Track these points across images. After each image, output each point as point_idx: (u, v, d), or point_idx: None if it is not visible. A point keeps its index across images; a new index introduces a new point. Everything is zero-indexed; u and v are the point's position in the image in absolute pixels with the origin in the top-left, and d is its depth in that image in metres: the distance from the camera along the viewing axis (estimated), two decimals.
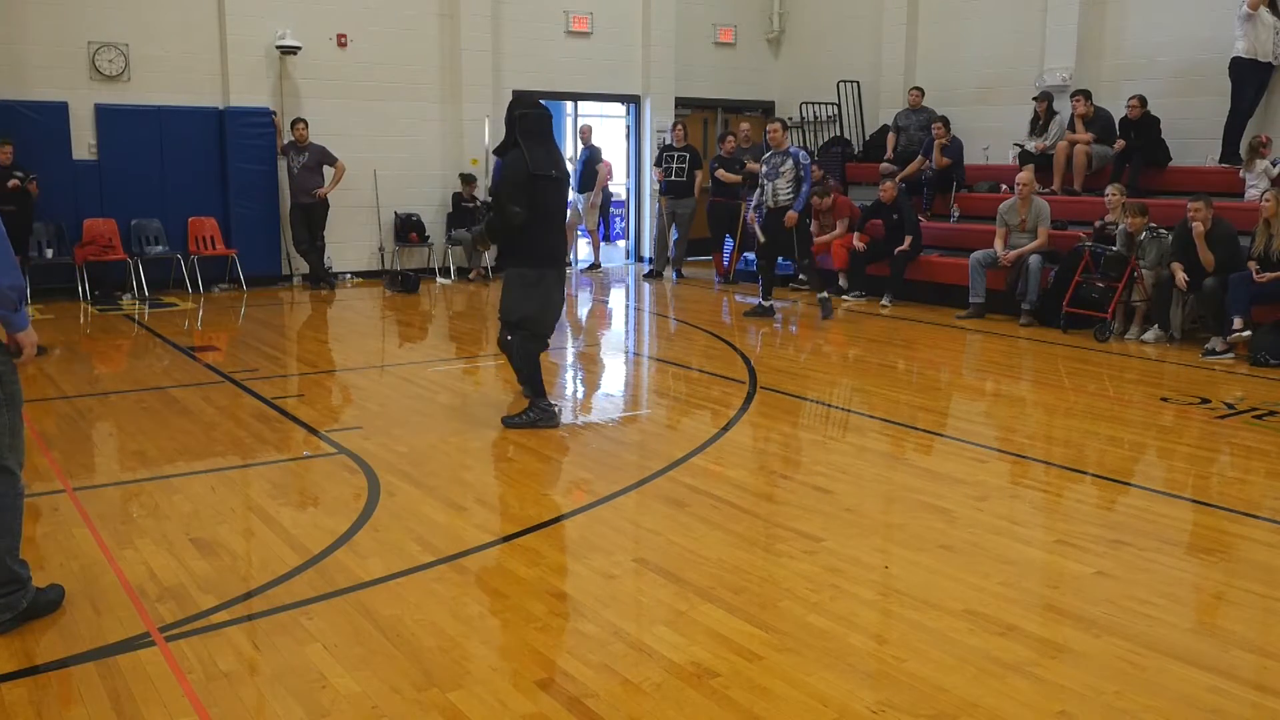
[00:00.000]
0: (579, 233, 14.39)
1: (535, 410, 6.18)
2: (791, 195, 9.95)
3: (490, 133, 13.43)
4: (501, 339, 6.36)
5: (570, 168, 13.62)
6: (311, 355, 8.53)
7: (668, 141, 13.63)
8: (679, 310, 11.16)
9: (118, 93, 11.34)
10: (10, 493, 3.43)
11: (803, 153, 10.14)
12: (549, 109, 6.19)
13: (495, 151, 6.26)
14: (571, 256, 14.38)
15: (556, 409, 6.29)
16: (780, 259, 10.61)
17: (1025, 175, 10.22)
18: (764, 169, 10.19)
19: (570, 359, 8.67)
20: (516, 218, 5.81)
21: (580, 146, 14.01)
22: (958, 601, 3.69)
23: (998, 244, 10.15)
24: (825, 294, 10.38)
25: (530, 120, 5.95)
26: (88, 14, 11.08)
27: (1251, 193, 9.40)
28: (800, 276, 11.71)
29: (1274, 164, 9.54)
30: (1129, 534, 4.39)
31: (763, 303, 10.42)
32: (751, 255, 13.06)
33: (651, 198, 14.55)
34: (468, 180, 13.12)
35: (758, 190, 10.35)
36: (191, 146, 11.68)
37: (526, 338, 6.09)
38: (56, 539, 4.24)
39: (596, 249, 14.55)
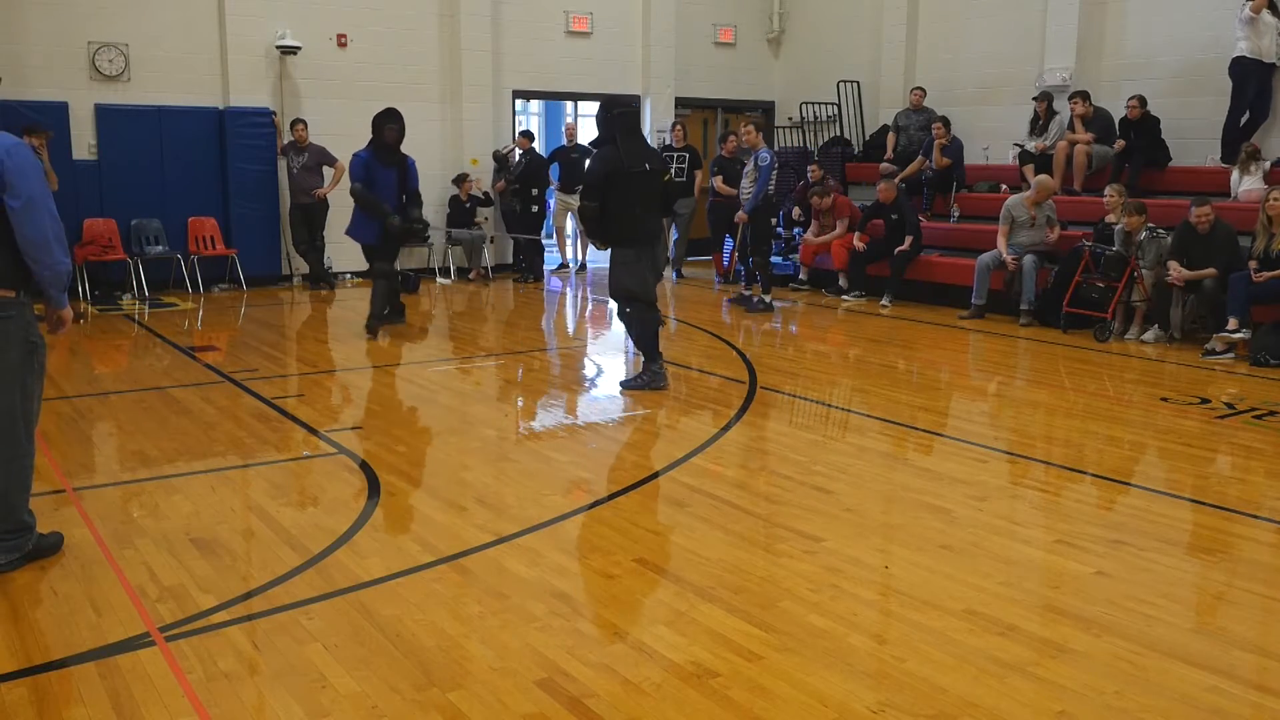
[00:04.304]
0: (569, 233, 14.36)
1: (648, 373, 6.96)
2: (750, 194, 10.40)
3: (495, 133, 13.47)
4: (620, 312, 7.07)
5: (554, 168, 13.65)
6: (311, 355, 8.53)
7: (667, 142, 13.61)
8: (679, 310, 11.15)
9: (118, 93, 11.34)
10: (31, 452, 3.96)
11: (764, 153, 10.33)
12: (639, 108, 6.91)
13: (593, 144, 7.11)
14: (573, 256, 14.35)
15: (667, 373, 7.08)
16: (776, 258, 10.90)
17: (1048, 179, 10.20)
18: (740, 167, 10.93)
19: (571, 359, 8.68)
20: (588, 210, 6.83)
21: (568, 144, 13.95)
22: (958, 601, 3.69)
23: (1000, 242, 10.13)
24: (765, 298, 10.62)
25: (628, 118, 6.82)
26: (88, 14, 11.08)
27: (1250, 189, 9.39)
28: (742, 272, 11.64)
29: (1268, 164, 9.57)
30: (1129, 534, 4.39)
31: (743, 293, 10.98)
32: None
33: None
34: (462, 179, 13.10)
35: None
36: (191, 146, 11.67)
37: (642, 309, 6.89)
38: None
39: (585, 248, 14.50)
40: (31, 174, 3.72)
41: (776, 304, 10.77)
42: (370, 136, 8.84)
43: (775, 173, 10.42)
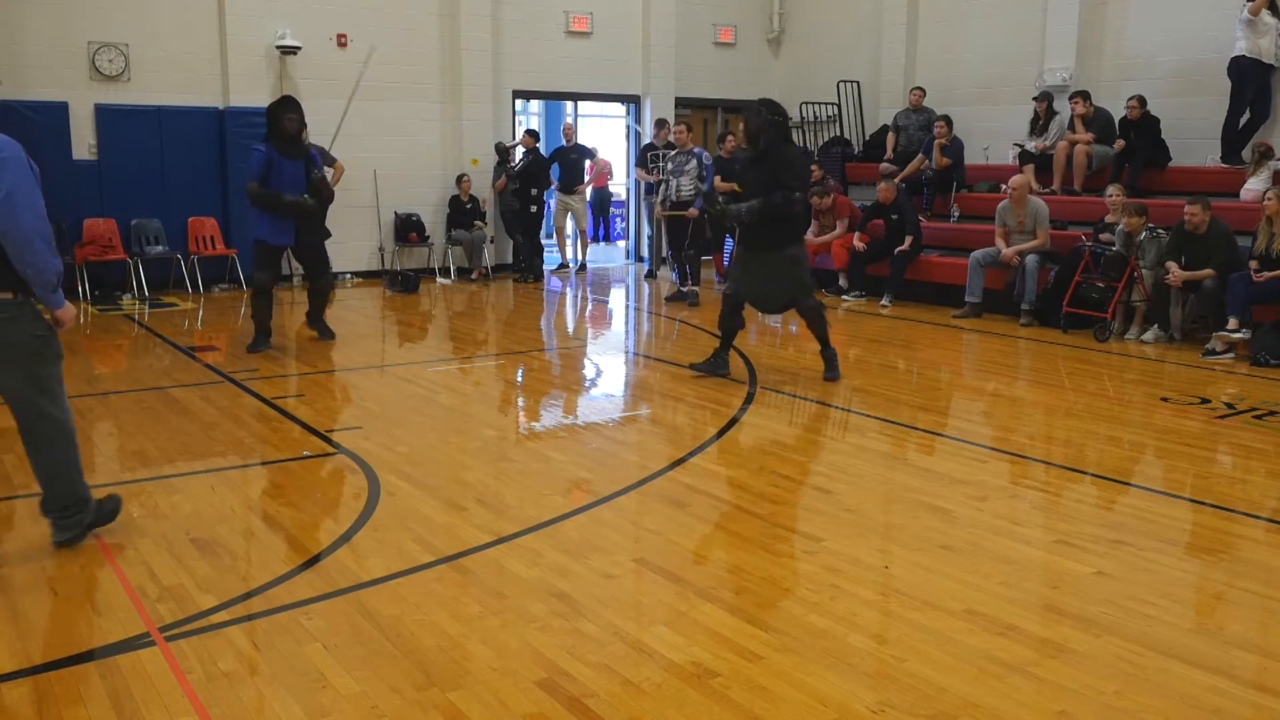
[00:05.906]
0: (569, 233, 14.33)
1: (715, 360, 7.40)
2: (693, 192, 10.92)
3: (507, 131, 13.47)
4: (807, 303, 7.28)
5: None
6: (311, 355, 8.53)
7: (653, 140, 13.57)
8: (679, 310, 11.15)
9: (118, 93, 11.34)
10: (69, 429, 4.04)
11: (706, 154, 11.21)
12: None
13: (763, 149, 7.00)
14: (573, 257, 14.34)
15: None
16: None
17: (1018, 179, 10.23)
18: (669, 166, 11.27)
19: (570, 359, 8.67)
20: (799, 204, 7.09)
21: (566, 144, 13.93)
22: (958, 601, 3.69)
23: (999, 242, 10.15)
24: (695, 289, 11.20)
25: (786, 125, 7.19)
26: (88, 14, 11.08)
27: (1252, 189, 9.38)
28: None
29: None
30: (1129, 534, 4.39)
31: (681, 289, 11.38)
32: None
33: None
34: (462, 179, 13.10)
35: (663, 186, 11.39)
36: (191, 146, 11.68)
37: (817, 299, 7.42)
38: None
39: (585, 249, 14.50)
40: (15, 169, 3.66)
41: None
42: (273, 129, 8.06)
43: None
